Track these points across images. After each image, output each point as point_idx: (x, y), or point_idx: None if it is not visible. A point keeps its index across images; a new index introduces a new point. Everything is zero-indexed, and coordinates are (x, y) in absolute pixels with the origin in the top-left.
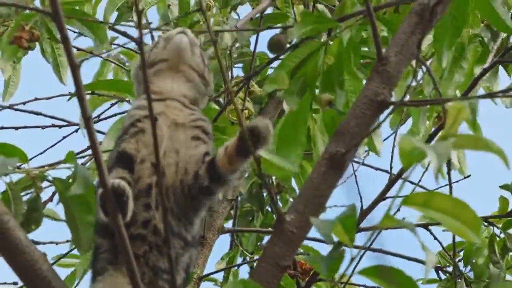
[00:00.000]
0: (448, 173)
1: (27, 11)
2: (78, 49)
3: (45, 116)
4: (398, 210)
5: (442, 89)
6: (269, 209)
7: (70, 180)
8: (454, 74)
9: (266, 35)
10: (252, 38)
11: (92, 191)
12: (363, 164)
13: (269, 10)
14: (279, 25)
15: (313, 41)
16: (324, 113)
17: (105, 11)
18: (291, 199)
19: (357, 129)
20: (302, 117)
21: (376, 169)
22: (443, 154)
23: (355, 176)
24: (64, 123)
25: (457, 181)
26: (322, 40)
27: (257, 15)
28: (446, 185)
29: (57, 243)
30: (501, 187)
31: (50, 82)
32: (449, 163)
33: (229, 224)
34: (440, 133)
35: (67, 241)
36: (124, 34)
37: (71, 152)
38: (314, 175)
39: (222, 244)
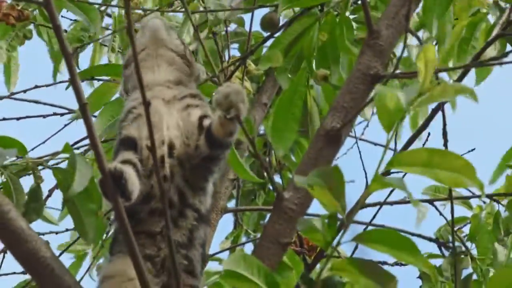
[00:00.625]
0: (445, 145)
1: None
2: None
3: (45, 104)
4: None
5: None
6: (271, 187)
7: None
8: (466, 54)
9: (261, 15)
10: (247, 18)
11: (93, 180)
12: (361, 139)
13: None
14: (271, 4)
15: (306, 17)
16: (324, 87)
17: None
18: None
19: (352, 104)
20: (298, 93)
21: (375, 144)
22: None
23: (359, 151)
24: (65, 111)
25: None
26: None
27: None
28: None
29: (56, 233)
30: (509, 166)
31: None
32: (445, 135)
33: (232, 204)
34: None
35: (67, 230)
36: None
37: (67, 144)
38: (311, 151)
39: (225, 224)
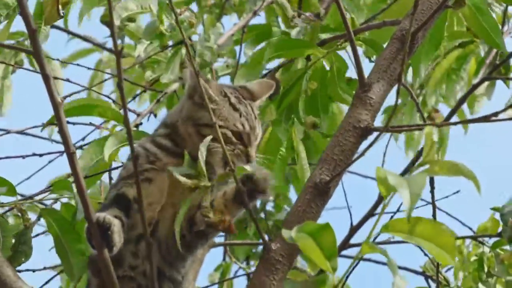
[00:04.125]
0: (432, 192)
1: None
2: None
3: (36, 137)
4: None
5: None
6: (263, 216)
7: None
8: (454, 85)
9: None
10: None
11: (82, 222)
12: (352, 172)
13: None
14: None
15: (294, 69)
16: (313, 133)
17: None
18: (286, 207)
19: (341, 156)
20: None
21: (366, 177)
22: (416, 193)
23: (344, 191)
24: (45, 152)
25: (446, 197)
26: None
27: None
28: (428, 203)
29: (33, 271)
30: (492, 209)
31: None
32: (432, 181)
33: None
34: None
35: (45, 268)
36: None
37: (64, 181)
38: (299, 203)
39: (214, 256)
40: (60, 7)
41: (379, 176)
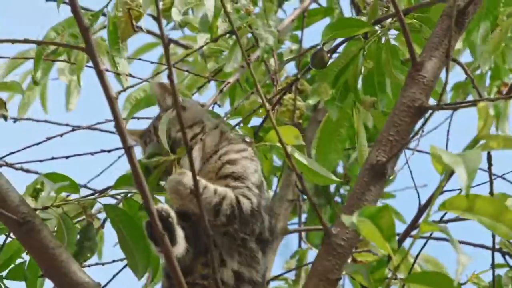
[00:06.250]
0: (489, 169)
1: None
2: None
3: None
4: None
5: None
6: (339, 200)
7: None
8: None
9: (312, 32)
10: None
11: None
12: (418, 150)
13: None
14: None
15: (350, 45)
16: (373, 112)
17: None
18: None
19: (397, 137)
20: (344, 115)
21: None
22: (472, 169)
23: (410, 170)
24: (113, 147)
25: (505, 174)
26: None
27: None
28: (498, 177)
29: (103, 264)
30: None
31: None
32: (489, 157)
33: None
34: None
35: (113, 261)
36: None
37: (125, 177)
38: (357, 186)
39: (290, 243)
40: (133, 22)
41: (433, 154)
